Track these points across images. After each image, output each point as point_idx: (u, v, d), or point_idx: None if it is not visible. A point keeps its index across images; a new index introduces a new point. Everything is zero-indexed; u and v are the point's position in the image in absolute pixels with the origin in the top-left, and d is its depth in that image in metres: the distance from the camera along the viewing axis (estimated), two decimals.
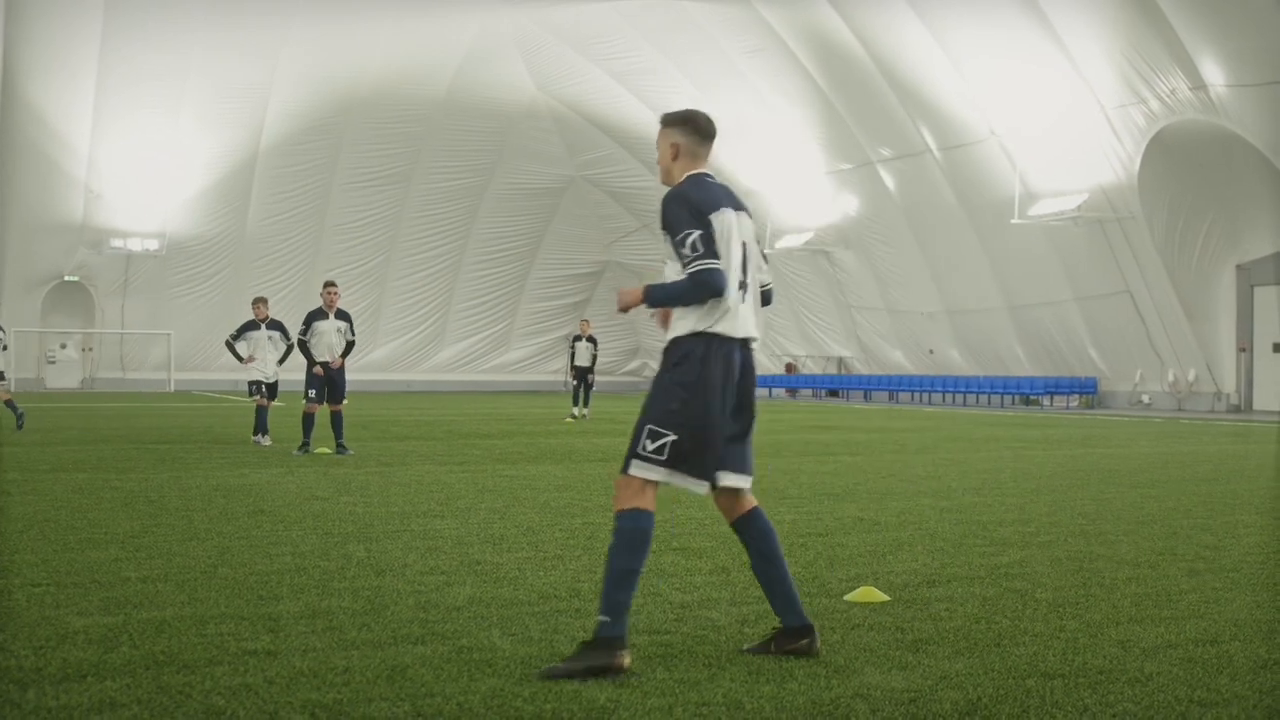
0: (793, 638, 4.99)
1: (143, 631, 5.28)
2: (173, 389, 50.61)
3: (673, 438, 4.86)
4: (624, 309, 5.17)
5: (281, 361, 18.72)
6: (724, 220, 4.98)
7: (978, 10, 34.10)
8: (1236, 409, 36.44)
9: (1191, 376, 37.09)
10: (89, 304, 51.42)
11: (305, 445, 15.97)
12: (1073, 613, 5.95)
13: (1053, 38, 33.08)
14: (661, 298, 4.99)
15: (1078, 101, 34.22)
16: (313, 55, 45.48)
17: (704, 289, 4.87)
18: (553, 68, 48.94)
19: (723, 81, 44.41)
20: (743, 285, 5.03)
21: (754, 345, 5.13)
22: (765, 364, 55.41)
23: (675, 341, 5.00)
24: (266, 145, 48.92)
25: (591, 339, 28.67)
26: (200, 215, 50.45)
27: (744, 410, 5.06)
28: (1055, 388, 40.37)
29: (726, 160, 48.83)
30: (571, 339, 29.40)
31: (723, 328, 4.94)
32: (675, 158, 5.17)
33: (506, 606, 5.94)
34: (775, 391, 52.90)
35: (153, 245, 49.48)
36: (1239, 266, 36.39)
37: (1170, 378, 37.55)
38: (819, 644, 4.99)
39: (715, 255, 4.88)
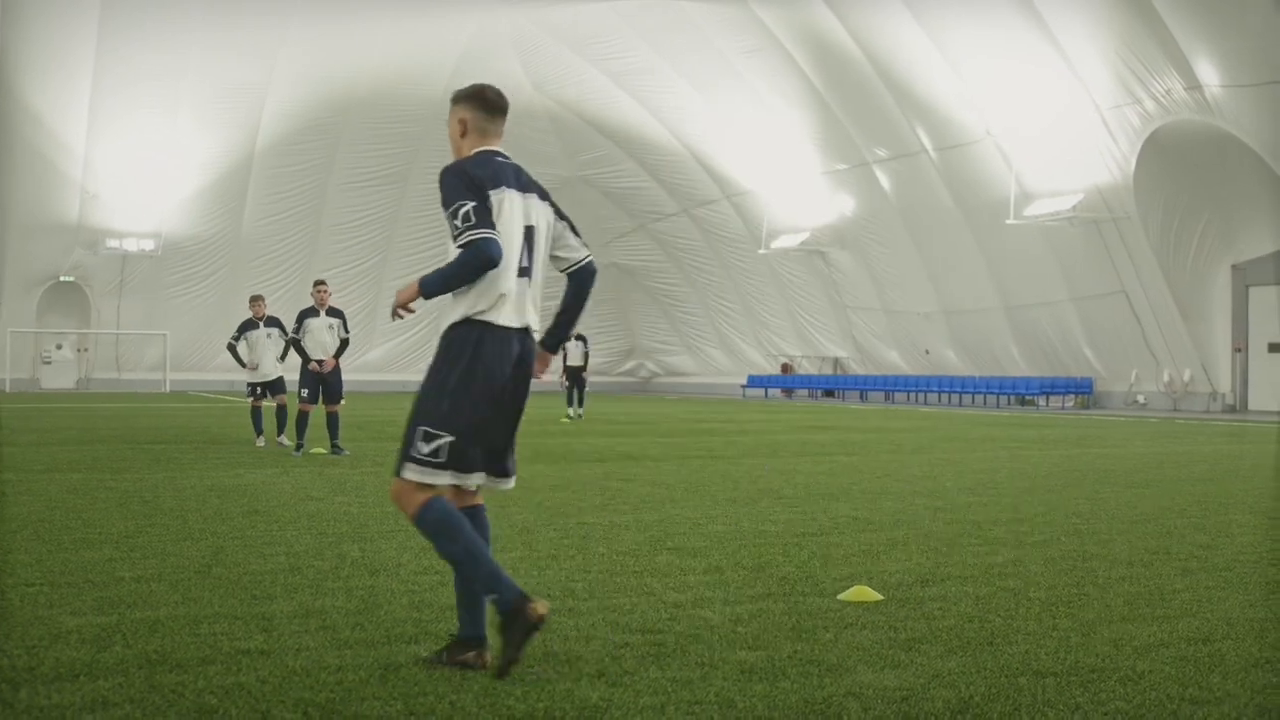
0: (462, 648, 4.75)
1: (136, 631, 5.27)
2: (168, 389, 50.57)
3: (449, 439, 4.60)
4: (400, 308, 4.84)
5: (282, 358, 18.61)
6: (504, 198, 4.70)
7: (973, 11, 34.13)
8: (1232, 409, 36.48)
9: (1187, 377, 37.13)
10: (85, 304, 51.38)
11: (300, 446, 15.96)
12: (1066, 611, 5.96)
13: (1048, 38, 33.11)
14: (436, 284, 4.65)
15: (1073, 102, 34.25)
16: (309, 55, 45.46)
17: (476, 258, 4.56)
18: (549, 68, 48.93)
19: (719, 82, 44.44)
20: (524, 272, 4.77)
21: (532, 333, 4.85)
22: (761, 364, 55.47)
23: (447, 330, 4.72)
24: (263, 145, 48.90)
25: (581, 338, 28.42)
26: (196, 215, 50.42)
27: (515, 404, 4.82)
28: (1051, 388, 40.40)
29: (723, 160, 48.97)
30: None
31: (497, 316, 4.67)
32: (463, 134, 4.90)
33: None
34: (771, 392, 52.92)
35: (148, 245, 49.46)
36: (1234, 266, 36.43)
37: (1166, 378, 37.58)
38: (488, 658, 4.70)
39: (490, 226, 4.59)
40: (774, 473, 13.67)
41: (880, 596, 6.22)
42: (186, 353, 52.62)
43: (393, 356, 56.31)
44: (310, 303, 16.86)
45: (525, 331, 4.80)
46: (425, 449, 4.62)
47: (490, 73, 48.94)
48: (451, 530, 4.58)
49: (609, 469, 14.09)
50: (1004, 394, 42.01)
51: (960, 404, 43.33)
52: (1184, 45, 30.10)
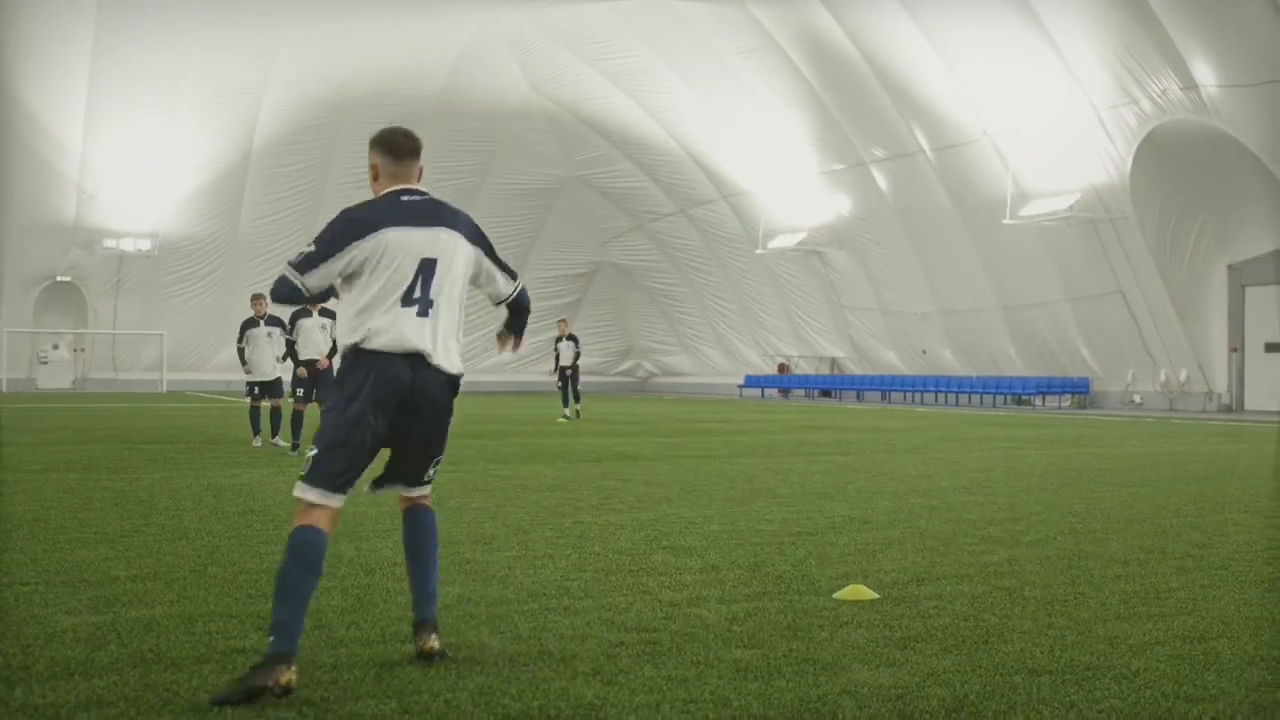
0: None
1: (131, 630, 5.27)
2: (165, 389, 50.54)
3: (320, 453, 4.72)
4: None
5: (283, 359, 18.39)
6: (381, 242, 4.81)
7: (970, 11, 34.13)
8: (1228, 409, 36.50)
9: (1183, 376, 37.16)
10: (81, 304, 51.32)
11: (296, 445, 15.95)
12: (1061, 610, 5.96)
13: (1045, 38, 33.12)
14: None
15: (1070, 102, 34.26)
16: (307, 55, 45.42)
17: (276, 290, 4.91)
18: (547, 68, 48.92)
19: (716, 82, 44.44)
20: (416, 301, 4.85)
21: (442, 366, 4.92)
22: (758, 364, 55.48)
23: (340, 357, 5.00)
24: (260, 145, 48.85)
25: (572, 338, 28.52)
26: (193, 215, 50.38)
27: (410, 425, 4.88)
28: (1048, 388, 40.42)
29: (721, 160, 48.98)
30: (554, 341, 29.11)
31: (380, 343, 4.77)
32: (375, 179, 5.11)
33: (495, 605, 5.95)
34: (768, 392, 52.93)
35: (145, 245, 49.40)
36: (1230, 266, 36.45)
37: (1162, 378, 37.61)
38: (431, 644, 4.81)
39: (311, 267, 4.81)
40: (770, 472, 13.68)
41: (876, 595, 6.23)
42: (183, 353, 52.58)
43: None
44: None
45: (418, 356, 4.85)
46: (307, 467, 4.75)
47: (487, 73, 49.03)
48: (306, 563, 4.59)
49: (606, 469, 14.09)
50: (1000, 394, 42.03)
51: (957, 404, 43.34)
52: (1180, 45, 30.12)
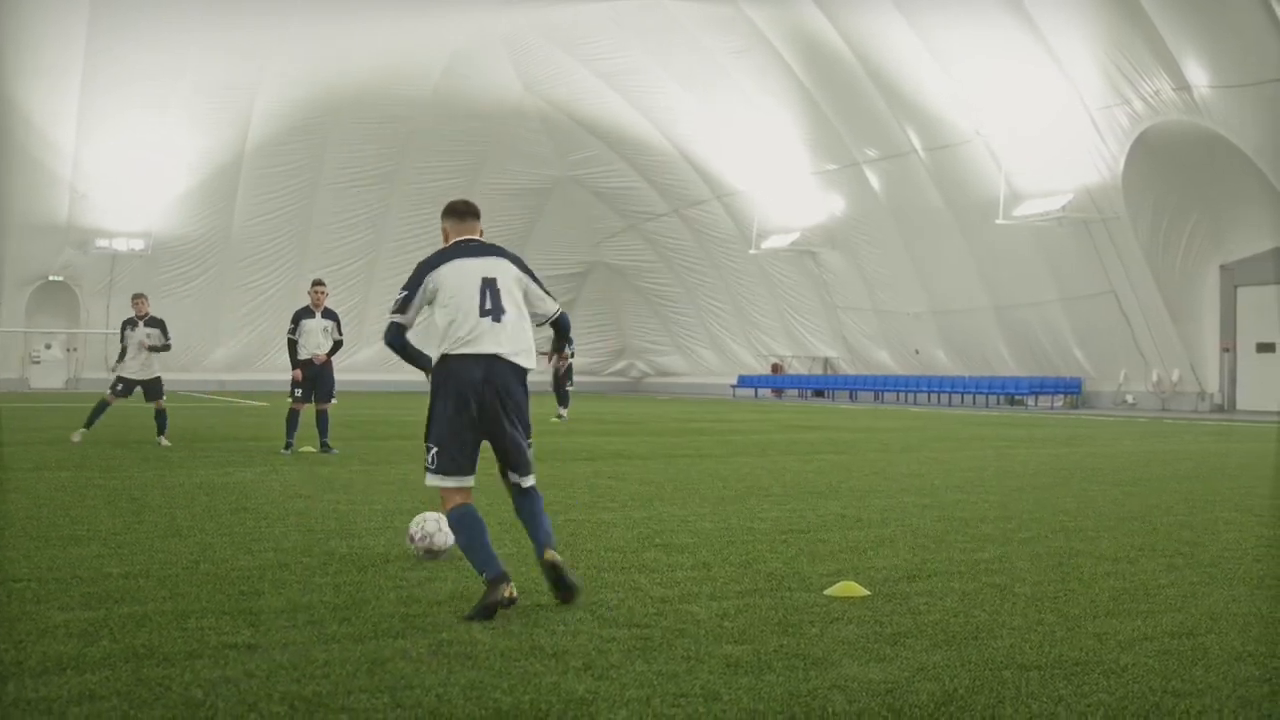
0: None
1: (123, 626, 5.28)
2: None
3: (435, 449, 5.99)
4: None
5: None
6: (445, 272, 6.18)
7: (963, 11, 34.18)
8: (1220, 409, 36.59)
9: (1175, 376, 37.24)
10: (74, 304, 51.23)
11: (289, 444, 15.90)
12: (1051, 606, 5.99)
13: (1038, 39, 33.17)
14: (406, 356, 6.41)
15: (1063, 102, 34.32)
16: (299, 55, 45.37)
17: (390, 336, 6.32)
18: (540, 68, 48.90)
19: (710, 82, 44.46)
20: (487, 312, 6.07)
21: (513, 360, 6.09)
22: (751, 364, 55.52)
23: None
24: (252, 145, 48.79)
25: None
26: (186, 215, 50.31)
27: (498, 415, 6.04)
28: (1040, 388, 40.49)
29: (714, 160, 49.00)
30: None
31: (461, 350, 6.01)
32: (446, 239, 6.47)
33: None
34: (762, 392, 52.97)
35: (138, 245, 49.33)
36: (1223, 267, 36.55)
37: (1154, 378, 37.69)
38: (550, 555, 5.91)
39: (403, 311, 6.22)
40: (762, 470, 13.69)
41: (867, 592, 6.25)
42: (175, 353, 51.87)
43: (383, 357, 56.13)
44: (305, 302, 16.71)
45: (493, 357, 6.05)
46: (427, 459, 6.05)
47: (481, 72, 48.97)
48: (468, 524, 5.92)
49: (598, 467, 14.11)
50: (993, 394, 42.09)
51: (950, 404, 43.40)
52: (1172, 46, 30.19)
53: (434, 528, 7.19)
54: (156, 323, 17.65)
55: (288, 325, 16.77)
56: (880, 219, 43.79)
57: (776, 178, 47.20)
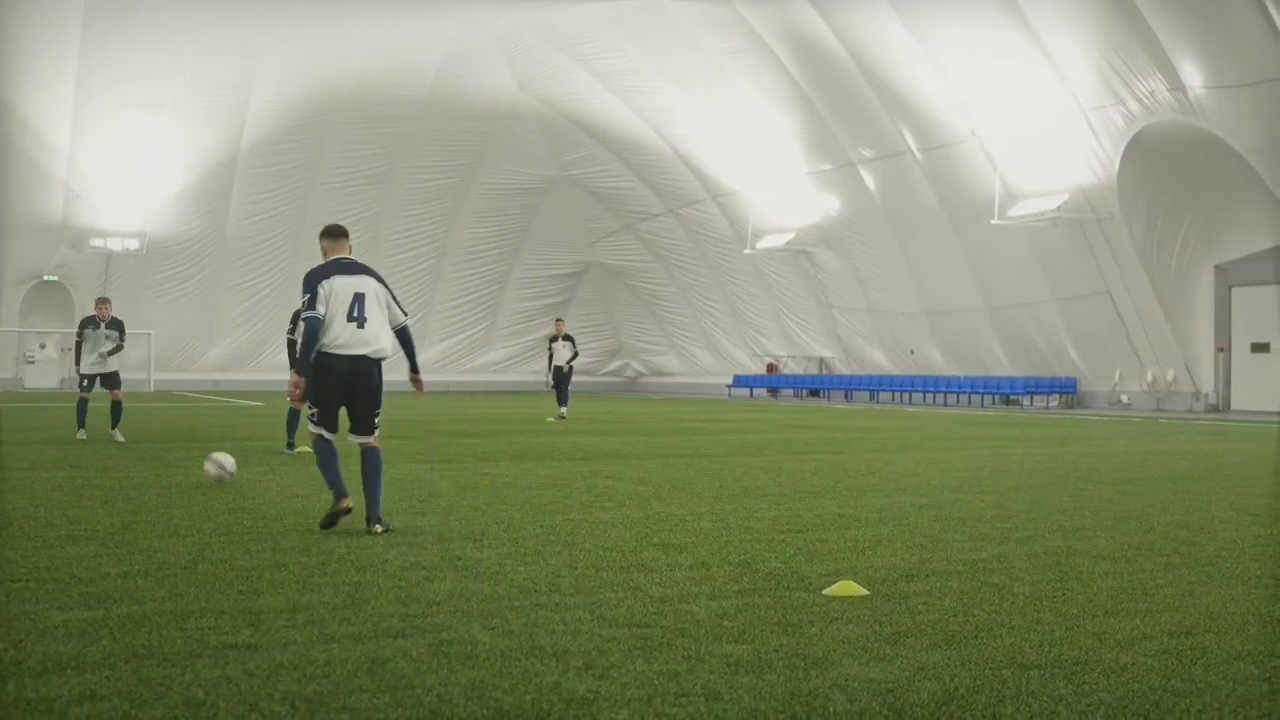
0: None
1: (123, 626, 5.28)
2: (152, 389, 50.39)
3: (316, 410, 8.57)
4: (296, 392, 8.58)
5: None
6: (331, 285, 8.44)
7: (958, 11, 34.19)
8: (1214, 409, 36.65)
9: (1170, 376, 37.29)
10: (68, 304, 51.10)
11: (290, 444, 15.89)
12: (1049, 606, 6.00)
13: (1033, 39, 33.20)
14: (302, 358, 8.48)
15: (1058, 103, 34.34)
16: (295, 54, 45.32)
17: (308, 327, 8.35)
18: (535, 68, 48.88)
19: (705, 82, 44.46)
20: (354, 319, 8.44)
21: (372, 356, 8.57)
22: (747, 364, 55.54)
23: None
24: (247, 145, 48.72)
25: (568, 338, 28.19)
26: (181, 215, 50.22)
27: (355, 396, 8.59)
28: (1035, 388, 40.52)
29: (709, 160, 49.00)
30: (549, 340, 28.90)
31: (333, 349, 8.41)
32: (325, 256, 8.75)
33: (487, 600, 5.96)
34: (757, 392, 52.98)
35: (133, 245, 49.24)
36: (1217, 267, 36.59)
37: (1149, 378, 37.74)
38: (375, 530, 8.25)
39: (313, 308, 8.36)
40: (758, 470, 13.70)
41: (866, 591, 6.26)
42: (171, 353, 52.42)
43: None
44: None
45: (357, 357, 8.51)
46: (309, 412, 8.64)
47: (475, 72, 48.96)
48: (326, 454, 8.65)
49: (595, 467, 14.11)
50: (988, 394, 42.12)
51: (945, 404, 43.43)
52: (1167, 46, 30.21)
53: (221, 459, 11.41)
54: (116, 324, 18.44)
55: (286, 325, 16.78)
56: (875, 219, 43.81)
57: (771, 178, 47.21)
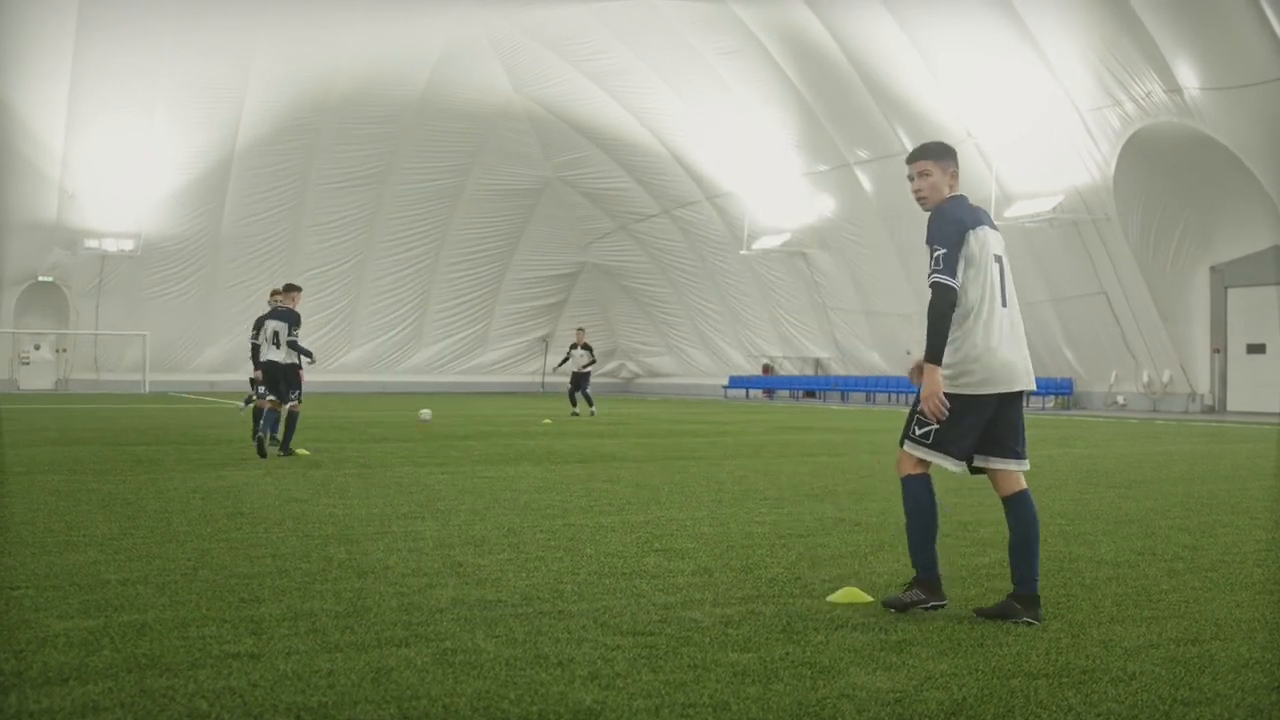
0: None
1: (124, 634, 5.24)
2: (148, 390, 50.31)
3: (264, 387, 13.74)
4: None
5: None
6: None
7: (954, 13, 34.19)
8: (1210, 410, 36.68)
9: (1166, 377, 37.32)
10: (63, 305, 51.06)
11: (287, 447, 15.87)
12: (1055, 613, 5.98)
13: (1029, 40, 33.21)
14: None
15: (1053, 104, 34.36)
16: (289, 55, 45.27)
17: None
18: (529, 69, 48.84)
19: (700, 83, 44.44)
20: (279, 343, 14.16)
21: (281, 361, 14.80)
22: (742, 365, 55.53)
23: None
24: (242, 145, 48.67)
25: (587, 346, 31.28)
26: (175, 215, 50.16)
27: (276, 380, 14.81)
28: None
29: (704, 161, 48.97)
30: (569, 347, 31.83)
31: (268, 356, 14.56)
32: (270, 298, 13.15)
33: (489, 608, 5.92)
34: (753, 393, 52.97)
35: (128, 245, 49.17)
36: (1213, 268, 36.62)
37: (1145, 379, 37.77)
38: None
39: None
40: (757, 473, 13.67)
41: (870, 598, 6.24)
42: (166, 354, 52.36)
43: (373, 358, 56.09)
44: (301, 305, 16.72)
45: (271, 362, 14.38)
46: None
47: (469, 73, 48.94)
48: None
49: (593, 470, 14.07)
50: None
51: None
52: (1163, 47, 30.23)
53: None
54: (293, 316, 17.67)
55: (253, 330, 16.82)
56: (871, 220, 43.82)
57: (767, 179, 47.20)
